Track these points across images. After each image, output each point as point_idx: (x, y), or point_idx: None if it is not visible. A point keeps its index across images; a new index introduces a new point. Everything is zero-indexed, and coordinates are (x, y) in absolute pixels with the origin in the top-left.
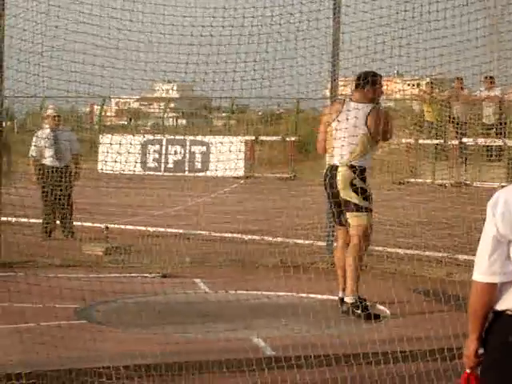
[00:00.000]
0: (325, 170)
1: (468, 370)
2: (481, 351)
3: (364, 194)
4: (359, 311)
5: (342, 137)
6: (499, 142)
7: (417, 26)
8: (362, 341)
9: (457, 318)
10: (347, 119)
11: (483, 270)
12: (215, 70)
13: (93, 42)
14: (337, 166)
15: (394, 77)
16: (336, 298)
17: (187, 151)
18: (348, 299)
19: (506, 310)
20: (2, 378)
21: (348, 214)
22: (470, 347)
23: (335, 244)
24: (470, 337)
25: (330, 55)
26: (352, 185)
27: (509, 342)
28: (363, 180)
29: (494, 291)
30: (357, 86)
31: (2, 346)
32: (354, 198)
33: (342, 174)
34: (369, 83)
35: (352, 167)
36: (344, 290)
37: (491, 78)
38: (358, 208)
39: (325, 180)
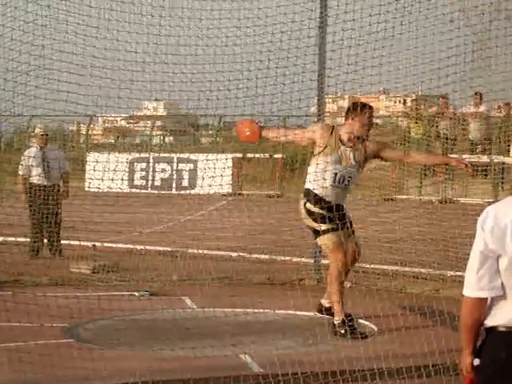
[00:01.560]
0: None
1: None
2: (476, 363)
3: (321, 218)
4: (343, 331)
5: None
6: (485, 159)
7: (403, 42)
8: (348, 357)
9: (443, 334)
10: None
11: (472, 285)
12: (200, 89)
13: (79, 61)
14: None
15: (381, 93)
16: (324, 315)
17: (174, 169)
18: (335, 320)
19: (497, 325)
20: None
21: (318, 239)
22: (465, 361)
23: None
24: (464, 351)
25: (315, 72)
26: (310, 213)
27: (501, 359)
28: (318, 202)
29: (483, 306)
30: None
31: None
32: (314, 225)
33: (301, 203)
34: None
35: (305, 193)
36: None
37: (480, 94)
38: (317, 231)
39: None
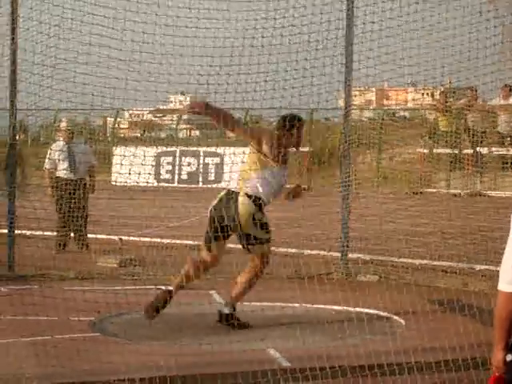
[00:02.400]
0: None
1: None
2: (509, 358)
3: (265, 227)
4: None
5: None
6: None
7: (430, 35)
8: (377, 351)
9: (472, 328)
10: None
11: (507, 280)
12: (228, 82)
13: (106, 54)
14: (236, 193)
15: (408, 86)
16: (352, 309)
17: (201, 162)
18: (226, 310)
19: None
20: None
21: (249, 246)
22: (497, 356)
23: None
24: (496, 346)
25: (343, 65)
26: (253, 219)
27: None
28: (261, 211)
29: None
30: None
31: (17, 358)
32: (255, 233)
33: (243, 207)
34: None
35: (250, 197)
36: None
37: (509, 86)
38: (259, 240)
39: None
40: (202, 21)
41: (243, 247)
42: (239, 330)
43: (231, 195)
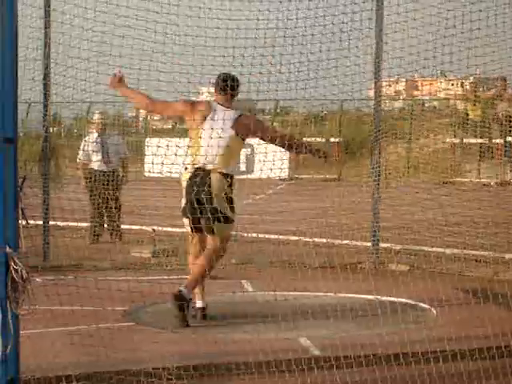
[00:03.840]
0: (190, 171)
1: None
2: None
3: (233, 204)
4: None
5: (209, 138)
6: None
7: (460, 24)
8: (411, 340)
9: (505, 317)
10: (215, 121)
11: None
12: (260, 72)
13: (139, 47)
14: (209, 171)
15: (438, 76)
16: (384, 298)
17: None
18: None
19: None
20: (53, 380)
21: (215, 223)
22: None
23: (191, 251)
24: None
25: (373, 56)
26: (225, 194)
27: None
28: (232, 190)
29: None
30: (224, 90)
31: (53, 348)
32: (224, 209)
33: (216, 181)
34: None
35: (224, 175)
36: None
37: None
38: (226, 219)
39: (191, 180)
40: (234, 12)
41: (196, 230)
42: (271, 319)
43: (203, 172)
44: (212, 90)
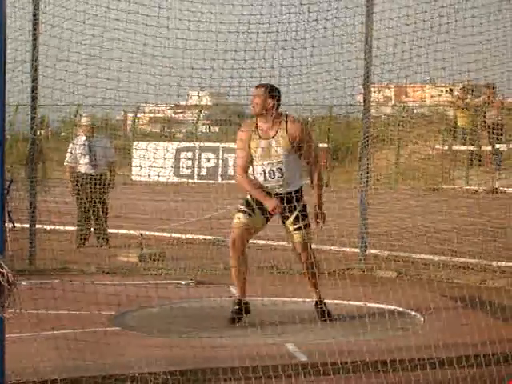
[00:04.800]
0: None
1: None
2: None
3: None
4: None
5: None
6: None
7: (450, 31)
8: (398, 347)
9: (492, 325)
10: None
11: None
12: (252, 76)
13: (129, 50)
14: None
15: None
16: (372, 304)
17: (220, 158)
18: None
19: None
20: None
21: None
22: None
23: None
24: None
25: (362, 61)
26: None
27: None
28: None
29: None
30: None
31: (38, 352)
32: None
33: None
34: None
35: None
36: None
37: None
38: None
39: None
40: (226, 16)
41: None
42: (258, 324)
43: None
44: (201, 94)
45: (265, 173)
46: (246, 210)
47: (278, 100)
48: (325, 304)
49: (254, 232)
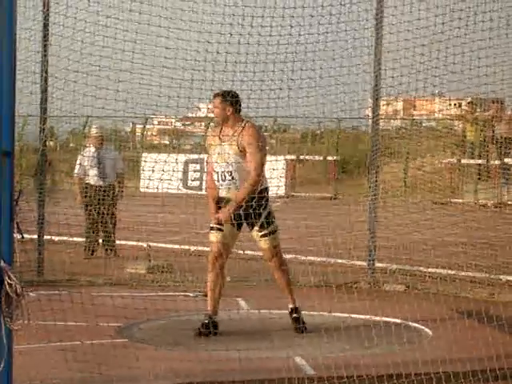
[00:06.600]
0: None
1: None
2: None
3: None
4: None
5: None
6: None
7: (459, 45)
8: (404, 361)
9: (500, 339)
10: None
11: None
12: (261, 89)
13: (139, 61)
14: None
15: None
16: (379, 318)
17: None
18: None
19: None
20: None
21: None
22: None
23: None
24: None
25: (372, 74)
26: None
27: None
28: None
29: None
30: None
31: (46, 364)
32: None
33: None
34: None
35: None
36: None
37: None
38: None
39: None
40: (236, 27)
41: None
42: (266, 337)
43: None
44: (210, 106)
45: (218, 176)
46: (216, 226)
47: (236, 104)
48: (300, 312)
49: (232, 243)
